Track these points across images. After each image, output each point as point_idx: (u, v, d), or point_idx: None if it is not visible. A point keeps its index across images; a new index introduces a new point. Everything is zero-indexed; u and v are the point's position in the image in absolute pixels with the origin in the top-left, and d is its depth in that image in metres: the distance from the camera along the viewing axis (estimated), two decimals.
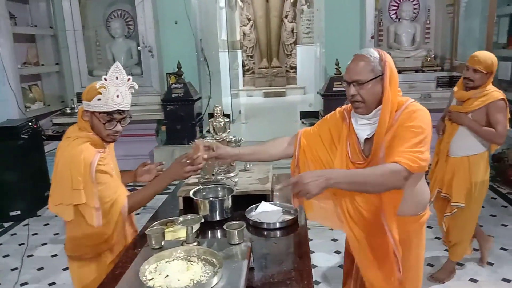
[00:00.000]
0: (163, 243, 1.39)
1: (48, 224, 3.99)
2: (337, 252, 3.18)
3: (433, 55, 5.21)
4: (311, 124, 5.98)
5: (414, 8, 5.29)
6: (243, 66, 10.63)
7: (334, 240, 3.38)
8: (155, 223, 1.75)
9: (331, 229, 3.56)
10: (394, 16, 5.36)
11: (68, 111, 5.21)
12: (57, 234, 3.74)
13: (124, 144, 5.45)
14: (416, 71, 5.19)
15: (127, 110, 1.69)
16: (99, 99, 1.60)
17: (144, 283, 1.15)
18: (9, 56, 4.44)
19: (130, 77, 1.66)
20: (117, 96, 1.61)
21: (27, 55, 5.20)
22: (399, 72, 5.04)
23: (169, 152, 4.96)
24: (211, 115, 5.04)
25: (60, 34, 5.36)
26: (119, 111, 1.64)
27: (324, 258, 3.10)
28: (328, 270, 2.95)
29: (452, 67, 5.07)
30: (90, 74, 5.39)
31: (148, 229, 1.44)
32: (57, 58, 5.47)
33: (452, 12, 5.06)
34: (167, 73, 5.37)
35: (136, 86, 1.68)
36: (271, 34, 10.52)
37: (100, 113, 1.63)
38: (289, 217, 1.81)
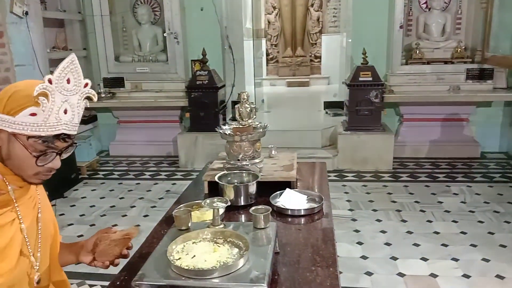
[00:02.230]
0: (189, 225, 1.40)
1: (74, 205, 4.10)
2: (359, 243, 3.16)
3: (463, 47, 5.06)
4: (336, 115, 5.94)
5: None
6: (267, 55, 10.55)
7: (357, 231, 3.36)
8: (181, 205, 1.76)
9: (354, 220, 3.55)
10: (424, 5, 5.22)
11: None
12: (83, 215, 3.84)
13: (148, 130, 5.55)
14: (445, 62, 5.05)
15: (73, 136, 1.10)
16: (33, 114, 1.00)
17: (172, 262, 1.16)
18: (39, 40, 4.53)
19: (88, 81, 1.09)
20: (65, 112, 1.03)
21: (56, 39, 5.30)
22: (427, 63, 4.99)
23: (193, 139, 5.00)
24: (234, 103, 5.07)
25: (88, 19, 5.45)
26: (63, 137, 1.06)
27: (346, 248, 3.08)
28: (350, 260, 2.94)
29: (484, 59, 4.90)
30: (117, 60, 5.47)
31: (175, 210, 1.46)
32: (85, 43, 5.56)
33: (486, 3, 4.88)
34: (191, 60, 5.39)
35: (95, 98, 1.12)
36: (296, 23, 10.40)
37: (30, 137, 1.02)
38: (314, 205, 1.80)
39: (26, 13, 4.24)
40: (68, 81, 1.03)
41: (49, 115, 1.01)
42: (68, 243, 1.36)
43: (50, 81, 1.00)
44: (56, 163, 1.09)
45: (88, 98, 1.10)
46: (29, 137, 1.02)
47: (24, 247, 1.14)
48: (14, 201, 1.11)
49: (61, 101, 1.02)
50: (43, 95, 0.99)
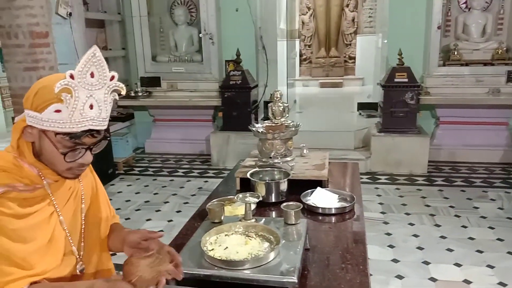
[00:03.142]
0: (222, 218, 1.44)
1: (111, 199, 4.21)
2: (391, 246, 3.12)
3: (505, 48, 4.89)
4: (369, 116, 5.86)
5: None
6: (300, 55, 10.54)
7: (388, 234, 3.31)
8: (214, 200, 1.81)
9: (386, 223, 3.51)
10: (464, 5, 5.07)
11: (132, 94, 5.47)
12: (119, 209, 3.97)
13: (182, 128, 5.67)
14: (485, 64, 4.89)
15: (103, 130, 1.07)
16: (58, 111, 0.98)
17: (205, 252, 1.21)
18: (81, 40, 4.72)
19: (115, 73, 1.04)
20: (91, 107, 1.01)
21: (97, 39, 5.51)
22: (466, 64, 4.86)
23: (225, 138, 5.07)
24: (266, 103, 5.10)
25: (127, 20, 5.63)
26: (91, 132, 1.04)
27: (377, 251, 3.05)
28: (380, 263, 2.91)
29: None
30: (154, 60, 5.62)
31: (209, 204, 1.51)
32: (123, 43, 5.75)
33: None
34: (226, 60, 5.47)
35: (124, 91, 1.06)
36: (331, 23, 10.33)
37: (58, 134, 1.01)
38: (346, 204, 1.80)
39: (70, 14, 4.44)
40: (92, 75, 0.99)
41: (73, 111, 0.98)
42: (119, 229, 1.32)
43: (72, 76, 0.96)
44: (87, 158, 1.08)
45: (116, 92, 1.06)
46: (56, 133, 1.01)
47: (66, 239, 1.15)
48: (51, 195, 1.10)
49: (85, 96, 0.99)
50: (66, 91, 0.96)
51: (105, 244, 1.29)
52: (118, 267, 1.23)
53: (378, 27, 5.95)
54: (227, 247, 1.25)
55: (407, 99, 4.65)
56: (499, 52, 4.85)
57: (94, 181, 1.31)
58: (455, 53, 4.92)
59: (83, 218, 1.22)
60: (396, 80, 4.64)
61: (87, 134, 1.03)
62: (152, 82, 5.53)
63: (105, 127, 1.07)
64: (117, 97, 1.07)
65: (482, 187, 4.26)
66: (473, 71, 4.86)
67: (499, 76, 4.81)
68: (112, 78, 1.03)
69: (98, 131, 1.05)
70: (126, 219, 3.74)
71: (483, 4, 4.96)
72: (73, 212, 1.19)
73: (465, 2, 5.06)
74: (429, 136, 4.84)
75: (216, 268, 1.17)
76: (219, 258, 1.19)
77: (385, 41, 5.23)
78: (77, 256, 1.20)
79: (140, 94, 5.45)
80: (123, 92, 1.06)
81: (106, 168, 4.66)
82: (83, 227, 1.22)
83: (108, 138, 1.13)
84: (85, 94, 0.99)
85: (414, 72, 4.69)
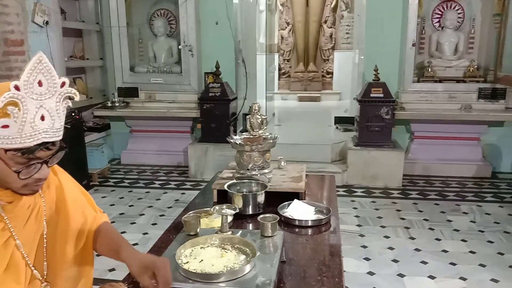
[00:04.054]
0: (198, 230, 1.43)
1: None
2: (366, 259, 3.14)
3: (476, 66, 5.07)
4: (346, 130, 5.94)
5: (459, 17, 5.17)
6: (279, 69, 10.66)
7: (364, 246, 3.34)
8: (190, 212, 1.79)
9: (362, 235, 3.53)
10: (437, 24, 5.25)
11: (109, 104, 5.41)
12: None
13: (159, 139, 5.62)
14: (458, 81, 5.06)
15: (59, 141, 0.99)
16: (6, 127, 0.89)
17: (180, 265, 1.19)
18: (58, 49, 4.64)
19: (65, 79, 0.98)
20: (42, 118, 0.93)
21: (74, 49, 5.44)
22: (439, 81, 5.00)
23: (203, 150, 5.05)
24: (245, 116, 5.11)
25: (105, 30, 5.58)
26: (46, 145, 0.96)
27: (353, 263, 3.07)
28: (356, 276, 2.92)
29: (496, 78, 4.90)
30: (132, 70, 5.58)
31: (185, 216, 1.49)
32: (101, 53, 5.68)
33: (499, 22, 4.91)
34: (205, 73, 5.47)
35: (77, 97, 1.00)
36: (309, 39, 10.50)
37: (8, 150, 0.92)
38: (322, 216, 1.81)
39: (47, 22, 4.37)
40: (40, 83, 0.92)
41: (23, 125, 0.89)
42: (114, 235, 1.24)
43: (17, 88, 0.88)
44: (43, 172, 1.00)
45: (69, 98, 0.98)
46: (6, 150, 0.92)
47: (23, 263, 1.07)
48: (5, 218, 1.02)
49: (35, 107, 0.91)
50: (12, 104, 0.88)
51: (83, 255, 1.23)
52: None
53: (355, 43, 6.08)
54: (202, 260, 1.23)
55: (383, 114, 4.75)
56: (471, 70, 5.02)
57: (60, 186, 1.20)
58: (429, 70, 5.07)
59: (44, 236, 1.14)
60: (372, 95, 4.74)
61: (41, 148, 0.95)
62: (130, 92, 5.48)
63: (60, 138, 0.99)
64: (70, 104, 1.00)
65: (455, 200, 4.36)
66: (446, 87, 5.01)
67: (471, 93, 4.97)
68: (63, 84, 0.97)
69: (53, 143, 0.97)
70: None
71: (455, 23, 5.15)
72: (35, 231, 1.11)
73: (438, 21, 5.24)
74: (404, 151, 4.94)
75: (191, 281, 1.15)
76: (194, 271, 1.17)
77: (362, 57, 5.34)
78: (40, 278, 1.13)
79: (117, 104, 5.39)
80: (77, 98, 1.00)
81: (80, 179, 4.54)
82: (45, 245, 1.14)
83: (65, 149, 1.03)
84: (35, 105, 0.91)
85: (389, 88, 4.80)
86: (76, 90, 1.01)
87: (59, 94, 0.96)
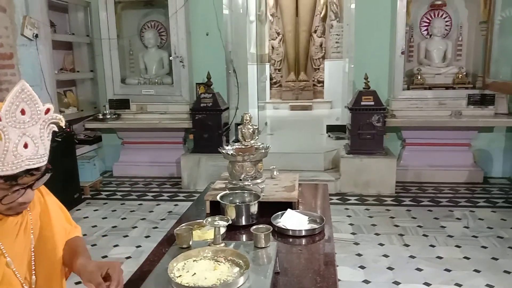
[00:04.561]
0: (190, 243, 1.41)
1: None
2: (361, 267, 3.13)
3: (464, 72, 5.13)
4: (338, 138, 5.97)
5: (446, 25, 5.24)
6: (271, 79, 10.70)
7: (359, 255, 3.33)
8: (183, 224, 1.77)
9: (356, 243, 3.53)
10: (425, 32, 5.32)
11: (100, 116, 5.37)
12: (85, 235, 3.83)
13: (152, 151, 5.59)
14: (447, 88, 5.11)
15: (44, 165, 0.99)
16: None
17: (172, 279, 1.17)
18: (48, 62, 4.63)
19: (50, 106, 0.97)
20: (25, 146, 0.92)
21: (64, 61, 5.42)
22: (429, 88, 5.05)
23: (196, 160, 5.03)
24: (237, 125, 5.11)
25: (95, 43, 5.57)
26: (29, 172, 0.96)
27: (348, 272, 3.06)
28: (352, 285, 2.91)
29: (485, 85, 4.96)
30: (123, 82, 5.56)
31: (177, 229, 1.47)
32: (92, 66, 5.67)
33: (486, 30, 4.98)
34: (196, 83, 5.48)
35: (63, 122, 0.99)
36: (300, 48, 10.58)
37: None
38: (315, 226, 1.80)
39: (36, 35, 4.36)
40: (23, 112, 0.91)
41: (5, 154, 0.89)
42: (79, 248, 1.24)
43: None
44: (28, 196, 1.00)
45: (54, 124, 0.98)
46: None
47: (15, 279, 1.08)
48: None
49: (17, 136, 0.91)
50: None
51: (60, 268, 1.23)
52: None
53: (345, 52, 6.13)
54: (195, 273, 1.22)
55: (374, 122, 4.78)
56: (460, 77, 5.08)
57: (41, 197, 1.20)
58: (419, 77, 5.12)
59: (32, 250, 1.15)
60: (362, 103, 4.77)
61: (25, 175, 0.95)
62: (121, 104, 5.46)
63: (44, 163, 0.98)
64: (56, 129, 0.99)
65: (448, 206, 4.37)
66: (436, 94, 5.06)
67: (460, 99, 5.02)
68: (47, 111, 0.96)
69: (37, 168, 0.97)
70: (92, 245, 3.61)
71: (443, 31, 5.22)
72: (24, 246, 1.11)
73: (426, 29, 5.31)
74: (395, 158, 4.96)
75: None
76: (187, 285, 1.16)
77: (352, 66, 5.38)
78: None
79: (108, 116, 5.36)
80: (62, 124, 0.99)
81: (72, 193, 4.52)
82: (33, 258, 1.14)
83: (51, 171, 1.02)
84: (17, 134, 0.91)
85: (380, 96, 4.83)
86: (61, 116, 1.00)
87: (43, 121, 0.96)
